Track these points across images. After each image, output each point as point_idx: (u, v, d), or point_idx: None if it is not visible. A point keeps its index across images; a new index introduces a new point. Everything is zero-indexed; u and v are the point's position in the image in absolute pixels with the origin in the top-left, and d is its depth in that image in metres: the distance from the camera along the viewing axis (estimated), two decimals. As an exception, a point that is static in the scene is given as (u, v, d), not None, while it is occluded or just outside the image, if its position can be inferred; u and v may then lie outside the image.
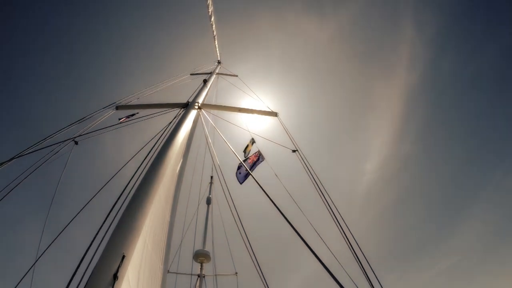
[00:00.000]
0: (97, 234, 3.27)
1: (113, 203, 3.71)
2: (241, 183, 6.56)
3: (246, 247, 4.91)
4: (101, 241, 3.14)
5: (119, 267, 2.57)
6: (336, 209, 5.28)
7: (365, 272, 4.25)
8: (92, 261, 2.90)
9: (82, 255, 3.09)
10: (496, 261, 28.01)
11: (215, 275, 16.24)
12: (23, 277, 4.81)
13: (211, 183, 18.16)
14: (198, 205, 16.86)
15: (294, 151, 6.56)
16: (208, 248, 15.80)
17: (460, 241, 30.24)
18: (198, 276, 15.20)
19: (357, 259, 4.48)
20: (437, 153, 33.22)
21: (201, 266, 15.31)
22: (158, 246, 3.94)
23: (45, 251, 4.88)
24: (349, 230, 4.95)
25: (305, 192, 6.86)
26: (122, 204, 3.61)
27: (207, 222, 16.87)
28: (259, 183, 4.66)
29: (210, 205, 17.61)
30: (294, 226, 3.84)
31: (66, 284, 2.79)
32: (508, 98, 28.92)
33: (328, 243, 5.38)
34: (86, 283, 2.52)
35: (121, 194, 3.86)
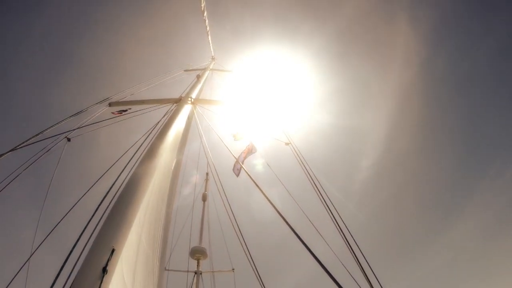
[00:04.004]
0: (85, 228, 3.26)
1: (104, 198, 3.69)
2: (237, 176, 6.61)
3: (241, 243, 4.89)
4: (91, 235, 3.12)
5: (108, 260, 2.56)
6: (332, 203, 5.25)
7: (363, 269, 4.21)
8: (83, 255, 2.88)
9: (71, 250, 3.08)
10: (490, 258, 28.27)
11: (212, 271, 16.30)
12: (18, 272, 4.81)
13: (206, 179, 18.14)
14: (194, 201, 16.87)
15: (287, 144, 6.55)
16: (204, 244, 15.83)
17: (455, 237, 30.45)
18: (195, 273, 15.22)
19: (354, 256, 4.44)
20: (432, 149, 33.36)
21: (198, 262, 15.32)
22: (154, 242, 3.93)
23: (38, 246, 4.88)
24: (346, 225, 4.90)
25: (301, 186, 6.86)
26: (112, 199, 3.58)
27: (203, 218, 16.91)
28: (253, 178, 4.63)
29: (206, 202, 17.62)
30: (289, 223, 3.79)
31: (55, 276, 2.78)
32: (504, 94, 29.07)
33: (326, 239, 5.33)
34: (75, 277, 2.50)
35: (110, 189, 3.83)
